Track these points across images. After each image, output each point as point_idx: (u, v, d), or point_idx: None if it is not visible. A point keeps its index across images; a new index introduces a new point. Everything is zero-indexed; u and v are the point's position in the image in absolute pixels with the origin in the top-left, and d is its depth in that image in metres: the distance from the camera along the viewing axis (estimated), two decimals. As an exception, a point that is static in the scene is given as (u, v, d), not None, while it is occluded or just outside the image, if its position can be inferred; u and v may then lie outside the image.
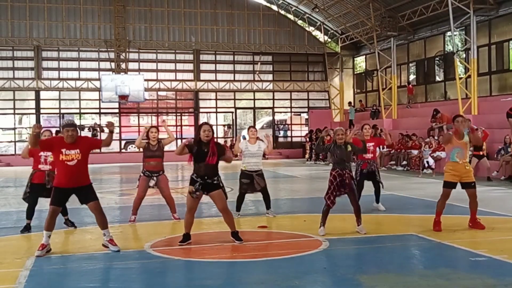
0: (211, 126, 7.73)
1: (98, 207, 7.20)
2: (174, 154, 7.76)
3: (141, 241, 8.12)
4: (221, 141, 27.85)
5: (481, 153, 16.50)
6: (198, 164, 7.50)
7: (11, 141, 30.58)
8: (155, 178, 9.57)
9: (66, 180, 7.03)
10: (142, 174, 9.65)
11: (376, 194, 10.60)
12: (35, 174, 8.73)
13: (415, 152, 21.46)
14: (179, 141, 31.80)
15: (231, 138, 31.90)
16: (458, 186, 8.44)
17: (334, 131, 8.48)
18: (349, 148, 8.25)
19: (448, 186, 8.36)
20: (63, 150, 7.02)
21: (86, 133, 29.66)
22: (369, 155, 10.30)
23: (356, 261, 6.93)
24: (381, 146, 17.17)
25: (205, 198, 7.85)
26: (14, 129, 30.74)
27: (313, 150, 27.06)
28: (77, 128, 7.34)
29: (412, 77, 29.63)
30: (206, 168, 7.46)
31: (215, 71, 32.62)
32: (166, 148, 9.96)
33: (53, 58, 30.76)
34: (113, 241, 7.24)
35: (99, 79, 29.70)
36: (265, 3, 33.23)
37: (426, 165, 19.72)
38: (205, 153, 7.45)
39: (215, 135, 7.92)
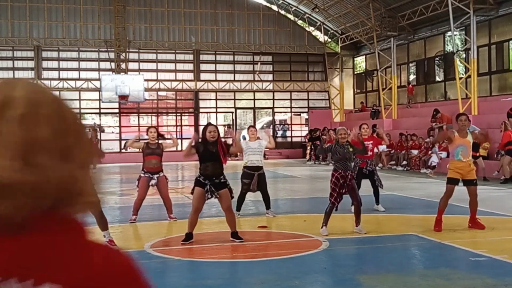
0: (216, 126, 7.78)
1: (99, 209, 7.19)
2: (182, 155, 7.76)
3: (141, 241, 8.13)
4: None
5: (477, 154, 16.52)
6: (205, 163, 7.52)
7: (11, 141, 30.54)
8: (155, 178, 9.60)
9: None
10: (142, 175, 9.66)
11: (375, 196, 10.60)
12: None
13: (415, 152, 21.44)
14: (178, 141, 32.02)
15: (232, 138, 31.83)
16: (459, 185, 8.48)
17: (336, 131, 8.63)
18: (351, 149, 8.31)
19: (452, 182, 8.42)
20: None
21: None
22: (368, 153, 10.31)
23: (356, 261, 6.94)
24: (379, 146, 17.16)
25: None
26: (14, 129, 30.71)
27: (313, 151, 27.02)
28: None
29: (412, 77, 29.62)
30: (213, 167, 7.48)
31: (215, 71, 32.59)
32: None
33: (53, 58, 30.75)
34: (112, 241, 7.24)
35: (99, 79, 29.67)
36: (265, 3, 33.21)
37: (432, 163, 19.54)
38: (212, 153, 7.48)
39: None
